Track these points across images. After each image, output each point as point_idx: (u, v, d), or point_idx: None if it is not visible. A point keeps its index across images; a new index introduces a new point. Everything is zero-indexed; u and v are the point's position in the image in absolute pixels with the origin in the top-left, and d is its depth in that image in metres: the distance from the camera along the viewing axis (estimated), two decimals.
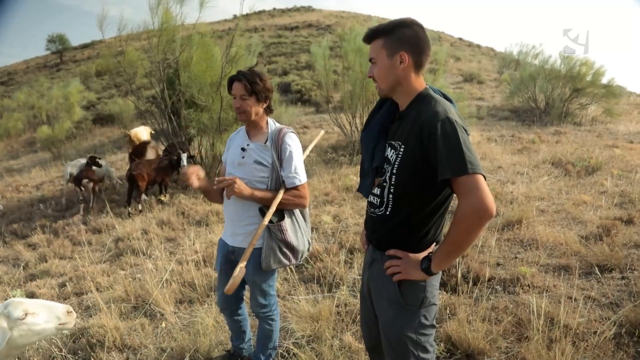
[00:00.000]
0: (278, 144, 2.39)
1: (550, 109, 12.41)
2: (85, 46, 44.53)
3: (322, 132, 2.89)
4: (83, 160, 8.20)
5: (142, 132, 9.81)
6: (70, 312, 1.96)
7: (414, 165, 1.62)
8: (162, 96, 8.17)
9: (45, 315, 1.86)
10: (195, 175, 2.37)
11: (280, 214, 2.38)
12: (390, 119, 1.83)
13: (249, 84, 2.32)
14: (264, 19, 43.05)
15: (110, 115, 17.96)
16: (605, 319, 3.07)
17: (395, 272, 1.73)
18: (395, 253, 1.74)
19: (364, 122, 2.02)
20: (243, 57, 8.30)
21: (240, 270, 2.21)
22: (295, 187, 2.39)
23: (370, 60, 1.74)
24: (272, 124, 2.49)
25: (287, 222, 2.40)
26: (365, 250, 2.02)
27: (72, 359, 3.16)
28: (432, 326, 1.79)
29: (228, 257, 2.54)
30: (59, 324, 1.90)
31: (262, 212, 2.34)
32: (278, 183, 2.41)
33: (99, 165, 8.06)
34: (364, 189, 1.89)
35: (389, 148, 1.74)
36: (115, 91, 21.71)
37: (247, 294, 2.86)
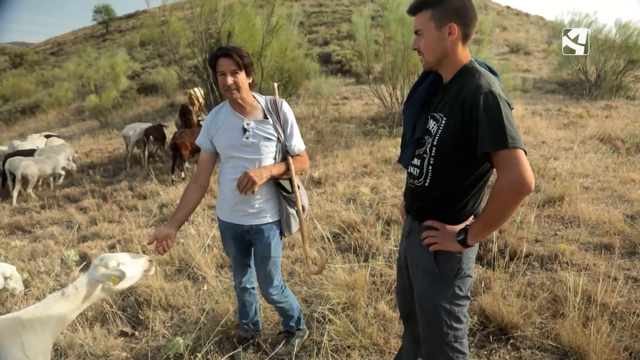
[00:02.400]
0: (279, 115, 2.41)
1: (602, 82, 11.77)
2: (129, 16, 45.31)
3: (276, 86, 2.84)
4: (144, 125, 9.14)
5: (199, 92, 10.34)
6: (151, 260, 2.26)
7: (454, 137, 1.63)
8: (205, 66, 8.29)
9: (132, 265, 2.15)
10: (165, 244, 2.29)
11: (291, 181, 2.46)
12: (433, 91, 1.83)
13: (240, 57, 2.24)
14: None
15: (153, 84, 18.38)
16: None
17: (431, 242, 1.76)
18: (433, 224, 1.77)
19: (407, 94, 2.02)
20: (284, 27, 8.27)
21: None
22: (299, 153, 2.50)
23: (415, 32, 1.71)
24: (259, 98, 2.46)
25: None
26: (404, 221, 2.06)
27: (121, 315, 3.38)
28: (467, 297, 1.82)
29: (242, 237, 2.52)
30: (144, 271, 2.21)
31: (280, 185, 2.43)
32: (282, 153, 2.45)
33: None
34: (404, 160, 1.91)
35: (431, 120, 1.75)
36: (159, 61, 22.14)
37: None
